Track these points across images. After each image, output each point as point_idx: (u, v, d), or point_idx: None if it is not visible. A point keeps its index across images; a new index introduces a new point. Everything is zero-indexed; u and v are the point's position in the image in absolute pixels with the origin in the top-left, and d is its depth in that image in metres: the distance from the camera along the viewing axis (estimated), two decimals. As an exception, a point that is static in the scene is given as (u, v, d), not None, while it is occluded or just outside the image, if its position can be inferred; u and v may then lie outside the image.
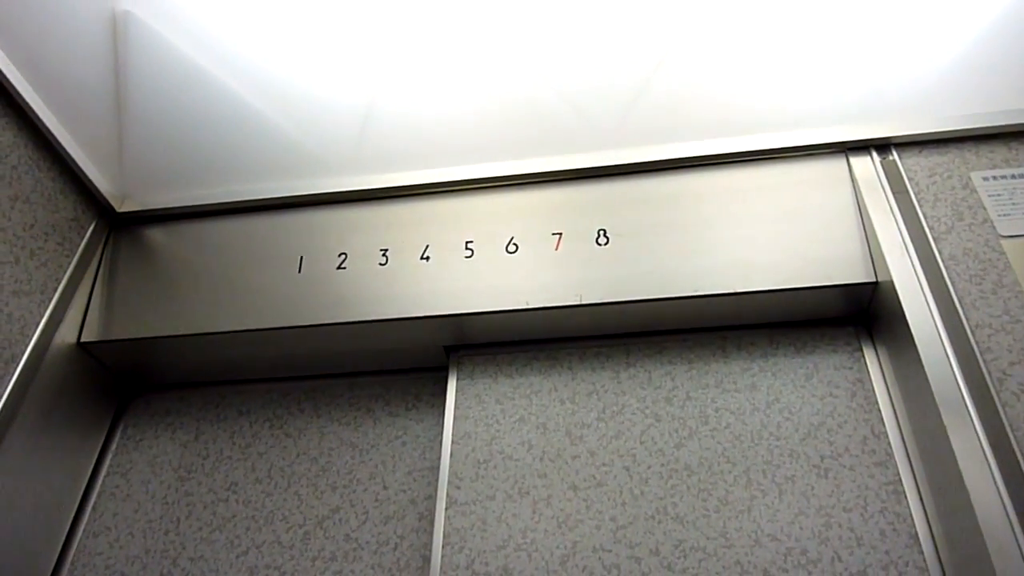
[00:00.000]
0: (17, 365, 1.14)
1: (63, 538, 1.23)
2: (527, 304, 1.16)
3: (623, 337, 1.23)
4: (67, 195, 1.27)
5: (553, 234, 1.22)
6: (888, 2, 1.15)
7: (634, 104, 1.22)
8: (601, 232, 1.20)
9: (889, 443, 1.05)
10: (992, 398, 0.93)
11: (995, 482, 0.87)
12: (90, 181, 1.29)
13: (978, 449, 0.89)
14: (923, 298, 1.03)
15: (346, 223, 1.30)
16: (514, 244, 1.22)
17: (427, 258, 1.23)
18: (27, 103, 1.16)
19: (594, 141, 1.25)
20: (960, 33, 1.16)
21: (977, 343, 0.98)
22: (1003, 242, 1.06)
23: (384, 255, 1.25)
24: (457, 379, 1.23)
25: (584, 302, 1.15)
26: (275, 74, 1.22)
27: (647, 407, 1.15)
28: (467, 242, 1.24)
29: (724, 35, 1.18)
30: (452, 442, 1.16)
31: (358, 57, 1.21)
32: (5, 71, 1.12)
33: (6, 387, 1.12)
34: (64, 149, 1.23)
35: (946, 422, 0.92)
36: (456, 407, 1.20)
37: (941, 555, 0.95)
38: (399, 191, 1.30)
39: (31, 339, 1.17)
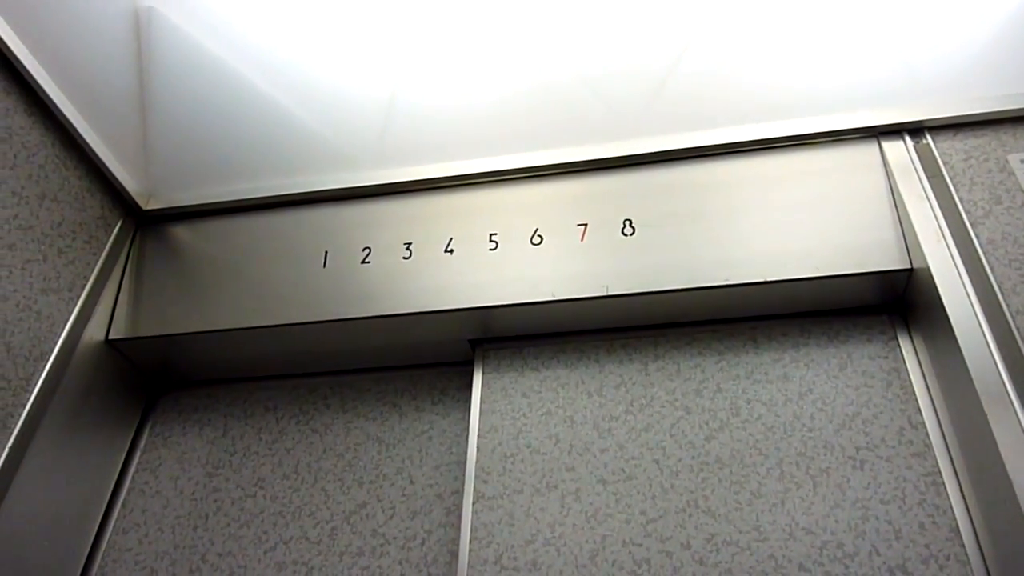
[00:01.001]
0: (46, 363, 1.15)
1: (93, 534, 1.24)
2: (553, 296, 1.15)
3: (651, 328, 1.21)
4: (94, 193, 1.28)
5: (578, 225, 1.20)
6: (920, -19, 1.12)
7: (659, 91, 1.20)
8: (627, 222, 1.19)
9: (927, 433, 1.02)
10: (1035, 385, 0.90)
11: (1040, 472, 0.84)
12: (116, 179, 1.30)
13: (1021, 438, 0.86)
14: (961, 284, 1.00)
15: (370, 217, 1.29)
16: (539, 236, 1.20)
17: (451, 251, 1.22)
18: (53, 102, 1.17)
19: (619, 130, 1.24)
20: (993, 11, 1.13)
21: (1018, 329, 0.95)
22: (1044, 226, 1.03)
23: (408, 249, 1.24)
24: (483, 372, 1.22)
25: (610, 293, 1.13)
26: (298, 69, 1.22)
27: (676, 399, 1.13)
28: (491, 234, 1.22)
29: (751, 18, 1.15)
30: (479, 436, 1.15)
31: (380, 50, 1.21)
32: (32, 70, 1.13)
33: (35, 384, 1.12)
34: (90, 147, 1.24)
35: (987, 411, 0.89)
36: (482, 401, 1.19)
37: (983, 548, 0.92)
38: (422, 184, 1.30)
39: (59, 337, 1.18)
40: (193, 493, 1.28)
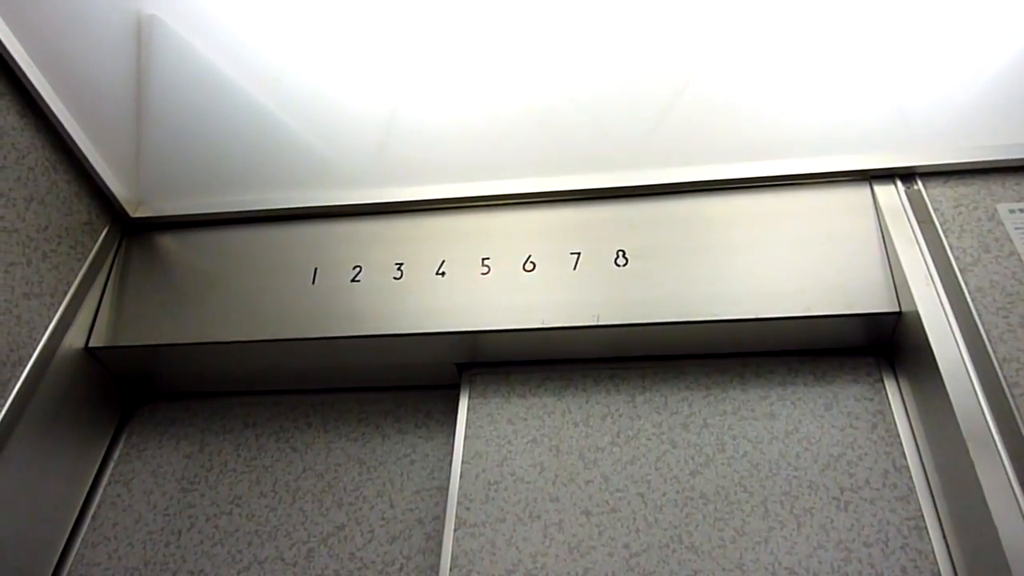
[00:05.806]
0: (24, 368, 1.12)
1: (61, 547, 1.20)
2: (543, 323, 1.14)
3: (639, 360, 1.21)
4: (82, 198, 1.26)
5: (571, 253, 1.20)
6: (915, 30, 1.14)
7: (658, 125, 1.21)
8: (620, 253, 1.19)
9: (911, 477, 1.02)
10: (1021, 434, 0.90)
11: (1025, 520, 0.84)
12: (105, 185, 1.28)
13: (1007, 486, 0.87)
14: (949, 330, 1.01)
15: (362, 236, 1.29)
16: (531, 262, 1.20)
17: (443, 274, 1.22)
18: (47, 105, 1.15)
19: (616, 161, 1.24)
20: (987, 63, 1.15)
21: (1005, 377, 0.95)
22: (1031, 276, 1.05)
23: (399, 269, 1.23)
24: (469, 397, 1.21)
25: (601, 323, 1.13)
26: (298, 83, 1.21)
27: (663, 432, 1.12)
28: (484, 259, 1.22)
29: (749, 60, 1.17)
30: (462, 462, 1.14)
31: (382, 68, 1.21)
32: (27, 72, 1.11)
33: (12, 390, 1.10)
34: (81, 152, 1.22)
35: (974, 457, 0.89)
36: (467, 426, 1.17)
37: (965, 595, 0.92)
38: (416, 205, 1.29)
39: (39, 342, 1.15)
40: (166, 508, 1.25)
